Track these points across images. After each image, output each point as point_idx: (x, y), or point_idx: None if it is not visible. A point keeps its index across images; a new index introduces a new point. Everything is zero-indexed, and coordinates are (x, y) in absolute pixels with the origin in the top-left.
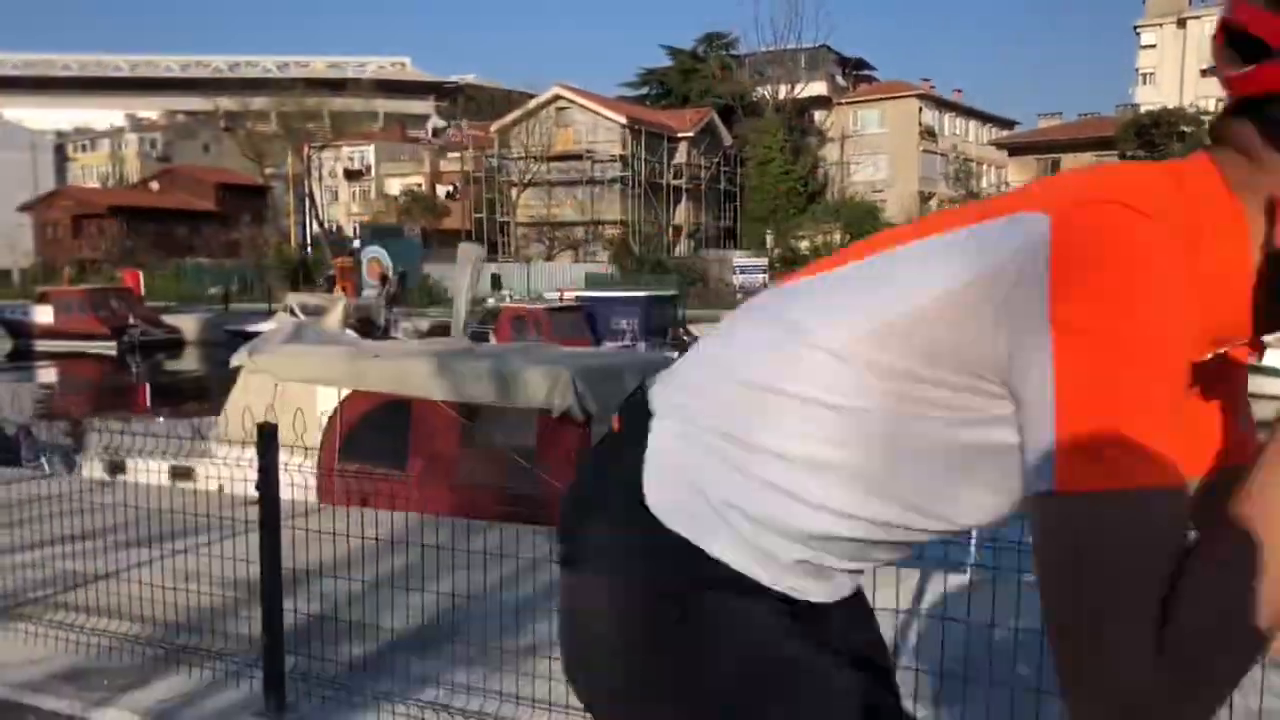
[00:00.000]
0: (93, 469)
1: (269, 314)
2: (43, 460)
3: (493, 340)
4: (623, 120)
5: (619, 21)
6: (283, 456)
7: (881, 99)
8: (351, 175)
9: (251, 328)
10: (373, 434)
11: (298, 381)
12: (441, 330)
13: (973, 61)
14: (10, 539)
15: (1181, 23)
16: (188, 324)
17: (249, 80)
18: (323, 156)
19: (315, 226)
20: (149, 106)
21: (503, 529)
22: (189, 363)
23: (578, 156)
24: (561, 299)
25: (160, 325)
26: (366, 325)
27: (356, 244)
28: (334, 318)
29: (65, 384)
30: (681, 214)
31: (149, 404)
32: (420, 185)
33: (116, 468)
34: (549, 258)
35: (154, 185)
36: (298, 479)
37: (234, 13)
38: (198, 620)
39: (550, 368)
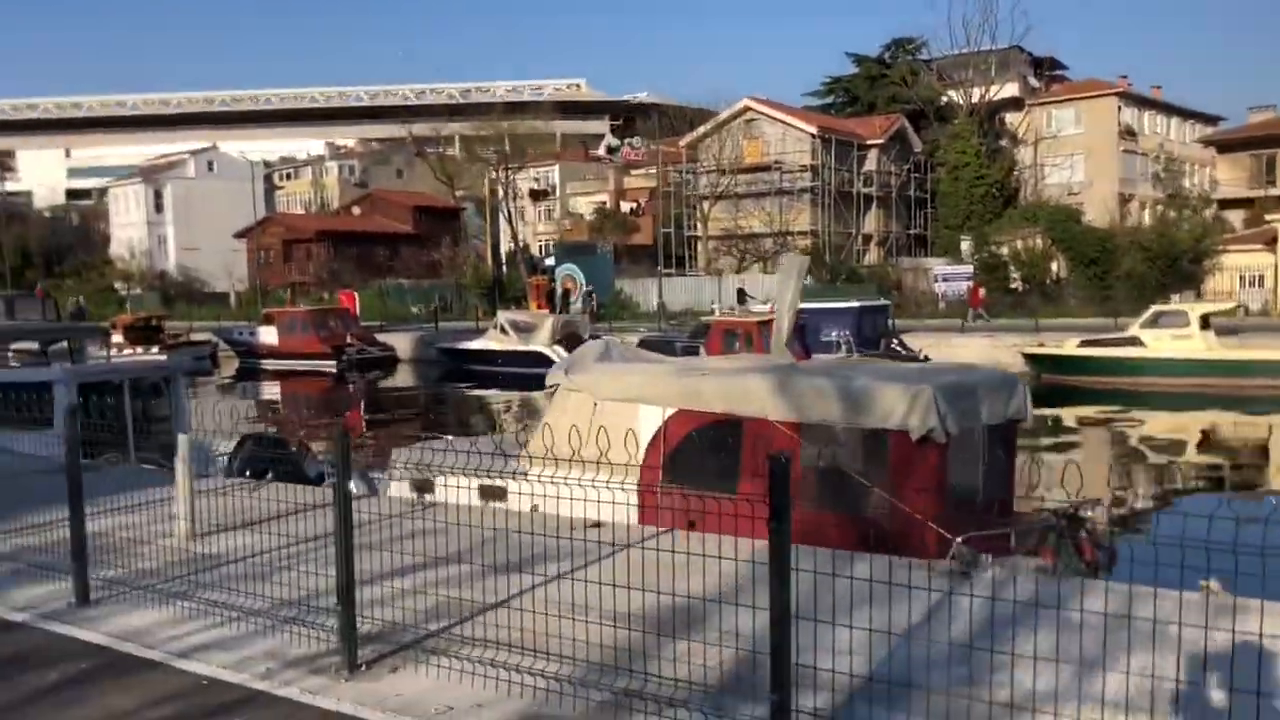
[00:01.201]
0: (399, 489)
1: (478, 332)
2: (354, 481)
3: (703, 354)
4: (813, 130)
5: (796, 33)
6: (602, 476)
7: (1077, 98)
8: (537, 195)
9: (464, 345)
10: (700, 454)
11: (619, 400)
12: (654, 345)
13: (1169, 56)
14: (372, 565)
15: None
16: (400, 342)
17: (435, 106)
18: (507, 178)
19: (508, 245)
20: (343, 135)
21: (873, 559)
22: (403, 379)
23: (766, 168)
24: (771, 312)
25: (375, 344)
26: (573, 340)
27: (550, 261)
28: (543, 333)
29: (297, 400)
30: (871, 222)
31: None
32: (605, 203)
33: (424, 487)
34: (739, 270)
35: (355, 210)
36: (620, 498)
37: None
38: (622, 658)
39: (909, 385)
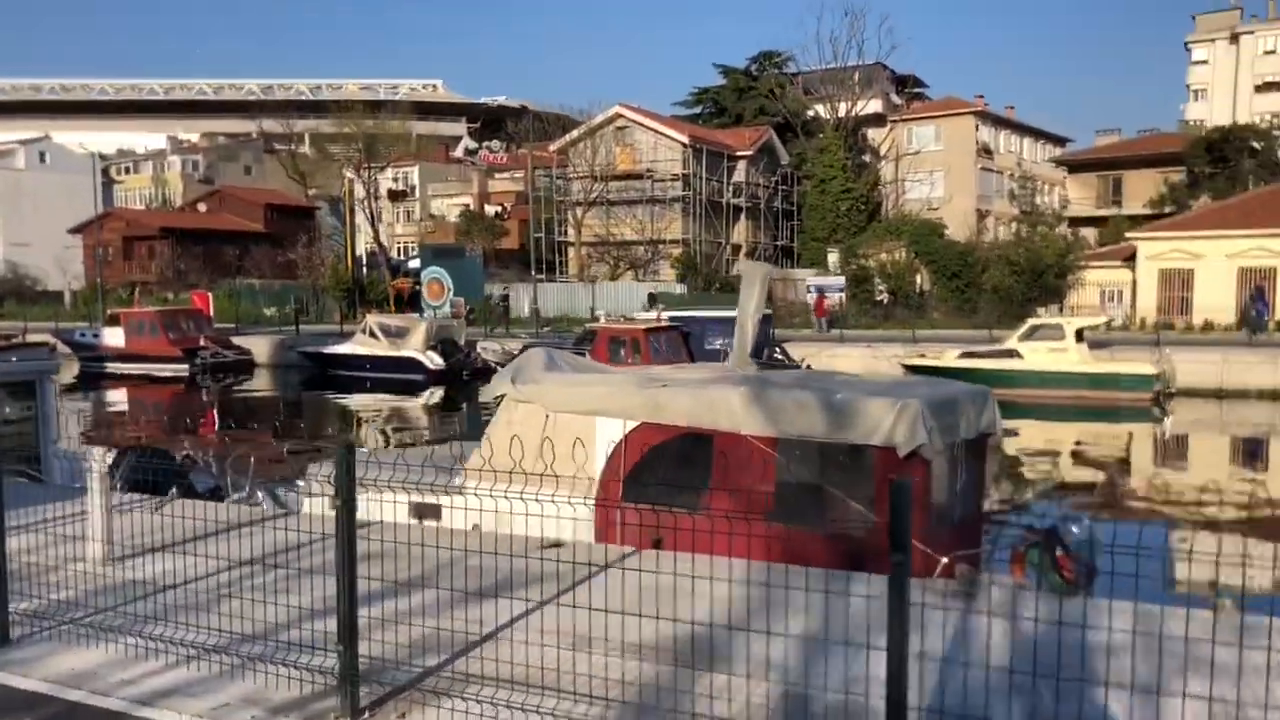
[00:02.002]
0: (316, 505)
1: (343, 335)
2: (261, 496)
3: (589, 360)
4: (684, 140)
5: (663, 43)
6: (555, 492)
7: (938, 116)
8: (395, 196)
9: (330, 350)
10: (664, 470)
11: (575, 412)
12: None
13: (1022, 78)
14: (324, 592)
15: (1234, 38)
16: (257, 346)
17: (283, 103)
18: (361, 178)
19: (362, 247)
20: (185, 129)
21: (853, 577)
22: (260, 385)
23: (639, 176)
24: (659, 319)
25: (231, 347)
26: (450, 347)
27: (415, 264)
28: (417, 338)
29: (148, 406)
30: (740, 232)
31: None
32: (469, 205)
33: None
34: (613, 277)
35: (202, 207)
36: (578, 515)
37: (264, 36)
38: (647, 694)
39: (895, 399)
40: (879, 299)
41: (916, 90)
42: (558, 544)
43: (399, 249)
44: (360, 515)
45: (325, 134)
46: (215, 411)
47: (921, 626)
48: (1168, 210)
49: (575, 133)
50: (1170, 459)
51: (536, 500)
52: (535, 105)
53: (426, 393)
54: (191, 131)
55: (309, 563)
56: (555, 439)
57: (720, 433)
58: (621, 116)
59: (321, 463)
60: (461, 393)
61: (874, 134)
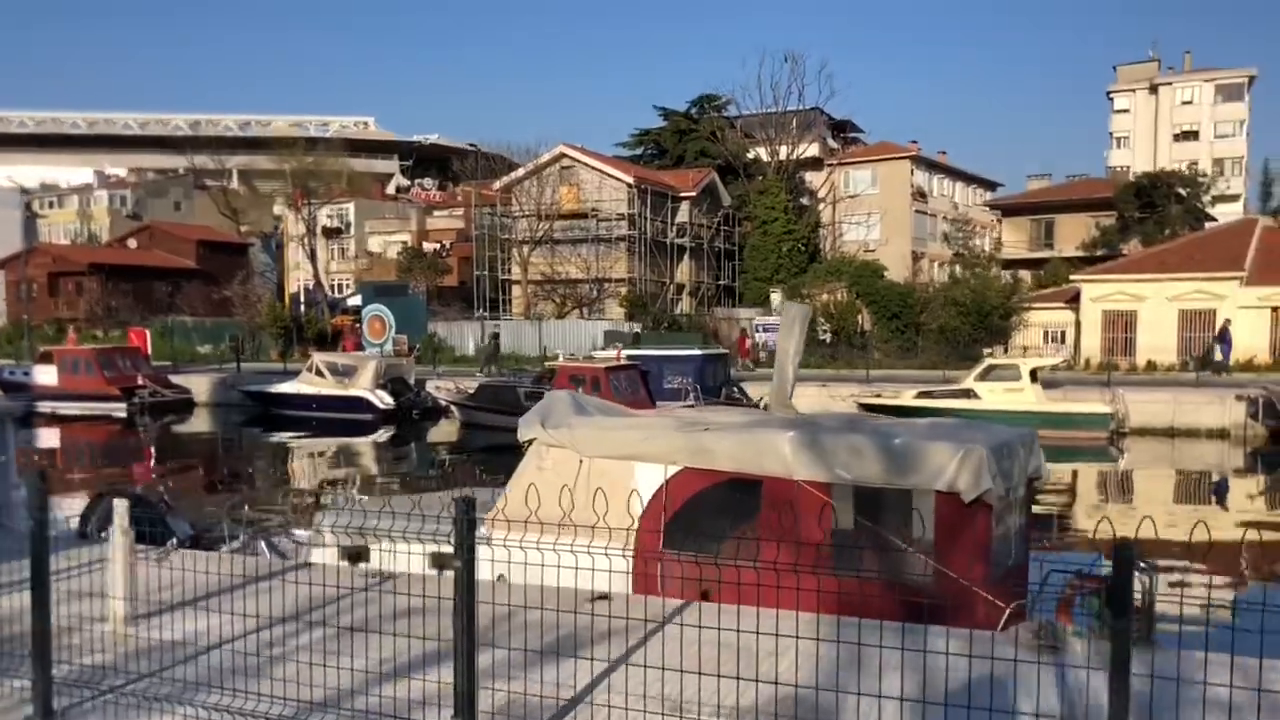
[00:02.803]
0: (322, 555)
1: (286, 374)
2: (261, 546)
3: None
4: (630, 180)
5: (604, 85)
6: (590, 541)
7: (874, 160)
8: (330, 233)
9: (275, 389)
10: (708, 517)
11: (614, 458)
12: (496, 389)
13: (952, 125)
14: (381, 653)
15: (1153, 89)
16: (196, 384)
17: (212, 139)
18: (301, 214)
19: (296, 284)
20: (110, 163)
21: (950, 633)
22: (200, 425)
23: (584, 215)
24: (619, 357)
25: (169, 386)
26: (400, 385)
27: (356, 301)
28: (366, 377)
29: (83, 448)
30: (683, 272)
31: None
32: (406, 242)
33: (359, 555)
34: (560, 315)
35: (132, 243)
36: (618, 565)
37: (191, 70)
38: None
39: (958, 444)
40: (822, 338)
41: (853, 135)
42: (604, 596)
43: (334, 286)
44: (373, 565)
45: (258, 170)
46: (153, 451)
47: (1014, 681)
48: (1099, 253)
49: (520, 171)
50: (1144, 499)
51: (571, 550)
52: (474, 145)
53: (376, 433)
54: (117, 166)
55: (349, 619)
56: (589, 485)
57: (770, 478)
58: (566, 156)
59: (326, 513)
60: (411, 432)
61: (811, 177)
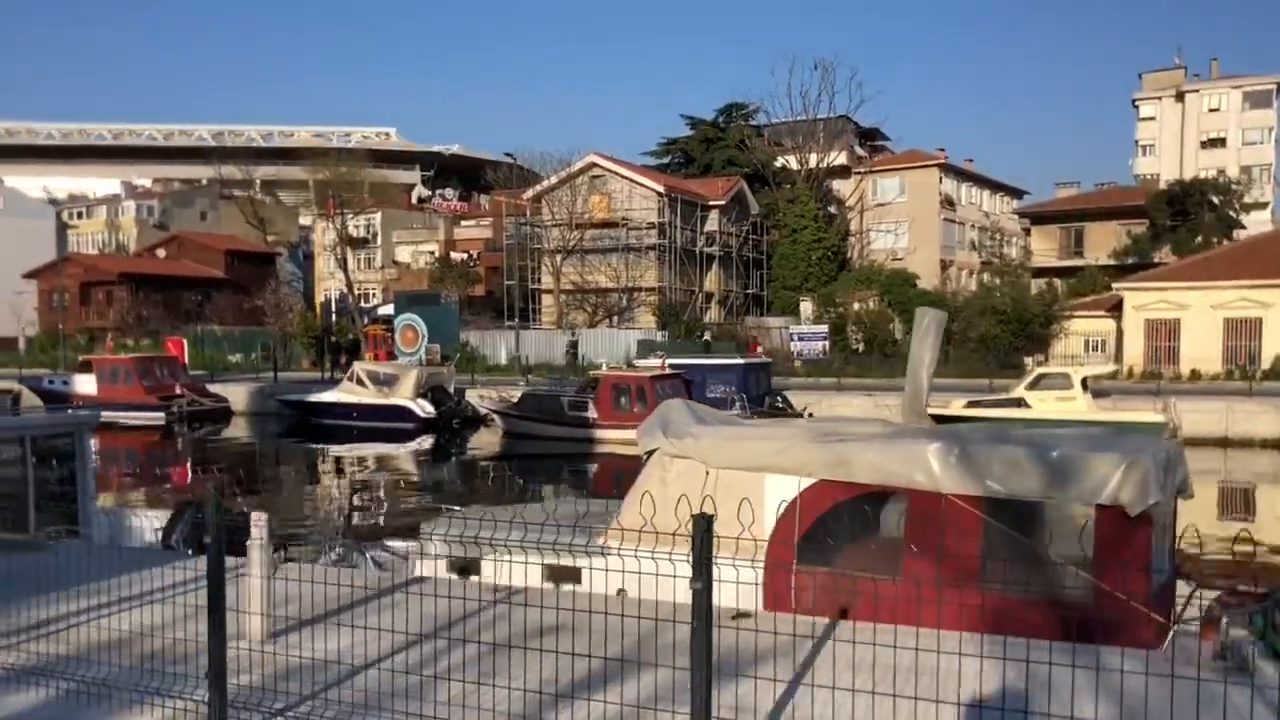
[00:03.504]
0: (428, 568)
1: (325, 382)
2: (369, 559)
3: (593, 410)
4: (660, 189)
5: (628, 95)
6: (718, 555)
7: (902, 168)
8: (356, 243)
9: (314, 398)
10: (846, 532)
11: (744, 470)
12: (540, 399)
13: (978, 133)
14: (544, 673)
15: (1180, 96)
16: (234, 393)
17: (236, 149)
18: (334, 223)
19: (321, 294)
20: (136, 174)
21: (1125, 653)
22: (239, 433)
23: (614, 224)
24: (663, 367)
25: (207, 395)
26: (440, 394)
27: (387, 310)
28: (407, 386)
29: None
30: (712, 281)
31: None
32: (434, 252)
33: (469, 568)
34: (592, 325)
35: (161, 252)
36: (745, 577)
37: (214, 81)
38: None
39: (1122, 455)
40: (855, 347)
41: (880, 143)
42: (745, 614)
43: (361, 296)
44: (486, 578)
45: (284, 180)
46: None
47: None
48: (1130, 261)
49: (551, 180)
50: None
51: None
52: (509, 155)
53: (416, 441)
54: (143, 177)
55: (491, 635)
56: (716, 497)
57: (915, 491)
58: (596, 165)
59: (435, 521)
60: (452, 441)
61: (839, 185)
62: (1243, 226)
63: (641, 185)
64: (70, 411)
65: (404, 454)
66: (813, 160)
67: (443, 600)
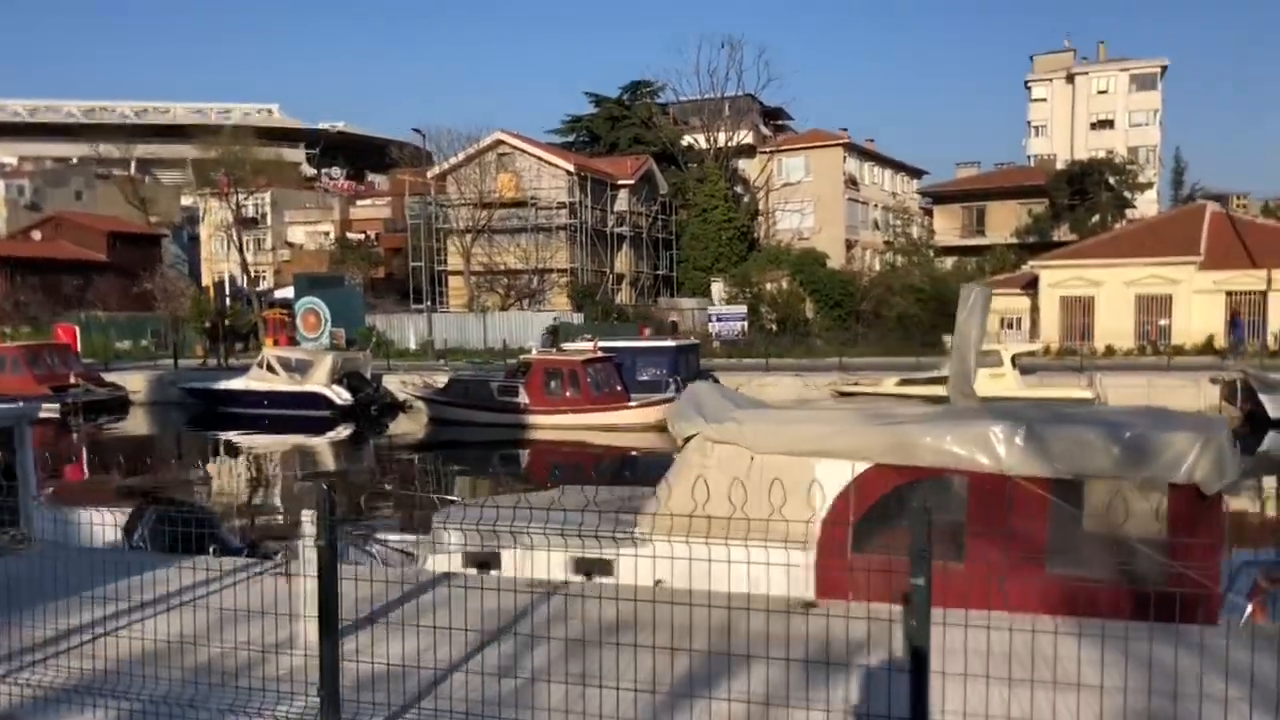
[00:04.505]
0: (441, 563)
1: (216, 369)
2: (375, 552)
3: (524, 395)
4: (570, 168)
5: (522, 70)
6: (767, 539)
7: (807, 148)
8: (245, 223)
9: (221, 386)
10: (905, 516)
11: (794, 455)
12: (468, 384)
13: (874, 112)
14: (622, 669)
15: (1070, 78)
16: (132, 382)
17: (108, 127)
18: (228, 203)
19: (208, 278)
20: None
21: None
22: (139, 424)
23: (523, 204)
24: (595, 350)
25: (103, 384)
26: (358, 381)
27: (284, 294)
28: (321, 372)
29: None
30: (623, 261)
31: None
32: (329, 233)
33: (488, 562)
34: (504, 307)
35: (36, 234)
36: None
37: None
38: None
39: (1196, 433)
40: (769, 328)
41: (784, 123)
42: (813, 604)
43: (248, 278)
44: (506, 572)
45: (165, 159)
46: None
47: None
48: (1031, 240)
49: (459, 157)
50: None
51: (745, 547)
52: (363, 132)
53: (334, 430)
54: (7, 155)
55: (564, 630)
56: (762, 483)
57: (978, 474)
58: (503, 143)
59: (448, 512)
60: (372, 429)
61: (744, 165)
62: (1133, 206)
63: (550, 164)
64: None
65: (324, 443)
66: (721, 139)
67: (487, 594)
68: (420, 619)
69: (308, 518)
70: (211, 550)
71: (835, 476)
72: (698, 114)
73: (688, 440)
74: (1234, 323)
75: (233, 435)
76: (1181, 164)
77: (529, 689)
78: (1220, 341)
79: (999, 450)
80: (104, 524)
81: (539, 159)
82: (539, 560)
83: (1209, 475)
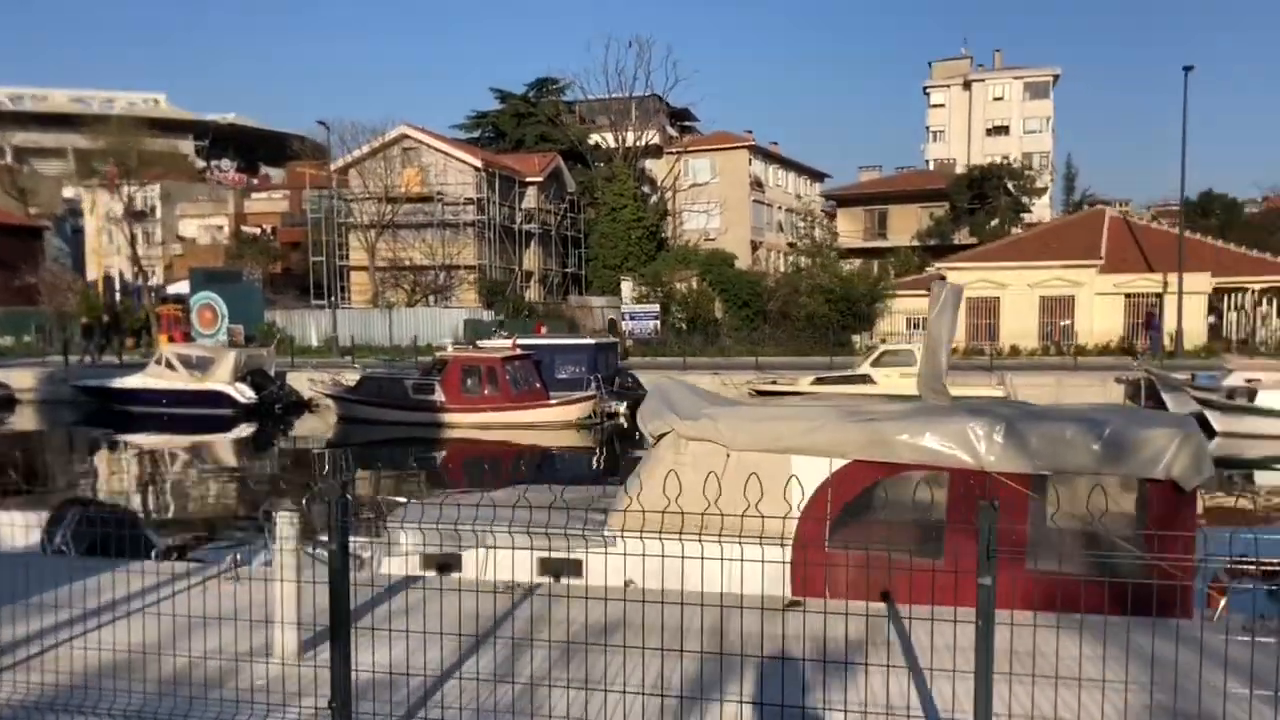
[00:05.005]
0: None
1: (121, 366)
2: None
3: (440, 393)
4: (478, 163)
5: (424, 65)
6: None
7: (713, 149)
8: (135, 216)
9: (116, 383)
10: (882, 513)
11: (771, 451)
12: (381, 381)
13: (775, 116)
14: (650, 674)
15: (967, 85)
16: (17, 379)
17: None
18: (118, 194)
19: (95, 271)
20: None
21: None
22: (26, 423)
23: (428, 199)
24: (514, 347)
25: None
26: (261, 378)
27: (176, 289)
28: (224, 369)
29: None
30: (531, 259)
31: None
32: (223, 227)
33: (448, 563)
34: (410, 303)
35: None
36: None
37: None
38: None
39: (1174, 429)
40: (679, 326)
41: (689, 124)
42: (797, 603)
43: (137, 272)
44: (467, 574)
45: (45, 148)
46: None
47: None
48: (931, 243)
49: (363, 149)
50: None
51: (718, 543)
52: (254, 124)
53: (236, 429)
54: None
55: (548, 634)
56: (738, 480)
57: (956, 470)
58: (408, 137)
59: (400, 511)
60: (275, 428)
61: (651, 165)
62: (1030, 210)
63: (457, 159)
64: None
65: (226, 442)
66: (630, 138)
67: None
68: (392, 623)
69: (285, 519)
70: (153, 554)
71: (813, 473)
72: (604, 113)
73: (660, 438)
74: (1149, 324)
75: (129, 434)
76: (1073, 170)
77: (528, 694)
78: (1118, 342)
79: (979, 446)
80: (16, 525)
81: (445, 154)
82: (503, 561)
83: (1186, 471)
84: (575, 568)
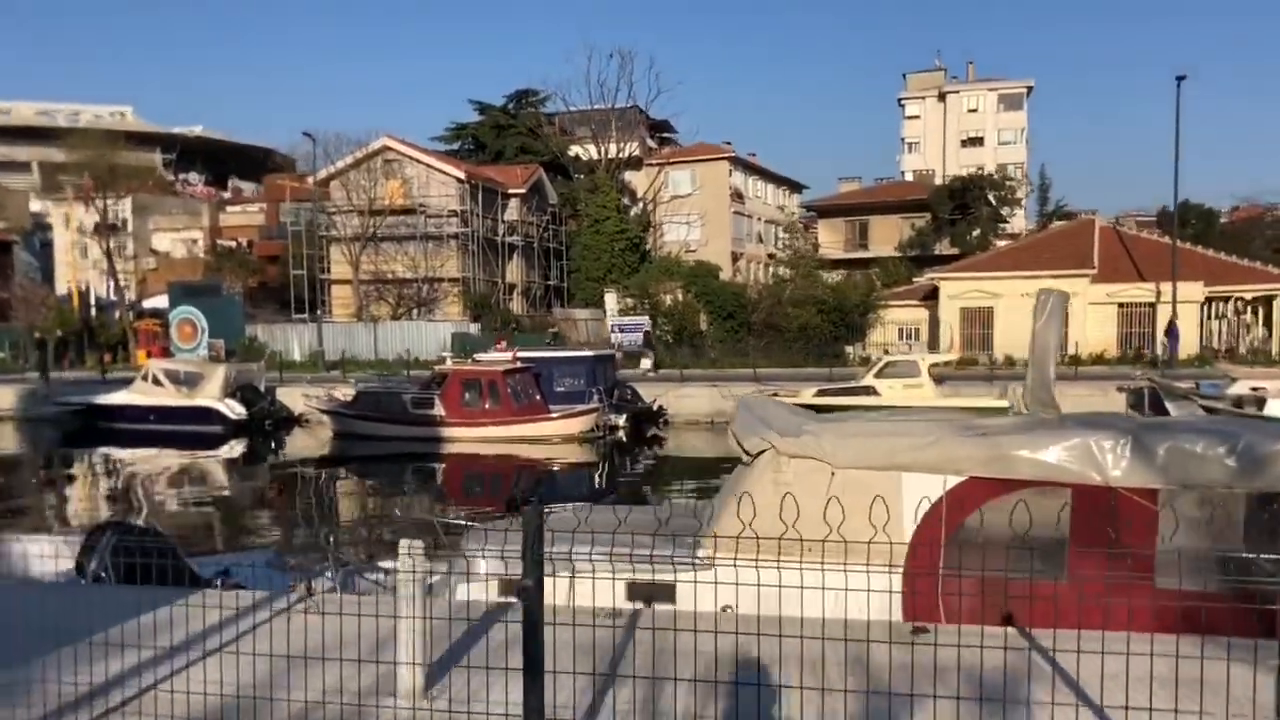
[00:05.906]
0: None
1: (104, 382)
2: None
3: (439, 407)
4: (460, 175)
5: (402, 77)
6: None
7: (694, 161)
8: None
9: (101, 400)
10: (1001, 532)
11: (881, 469)
12: (379, 395)
13: (753, 128)
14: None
15: (941, 96)
16: None
17: None
18: (94, 207)
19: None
20: None
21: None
22: (5, 442)
23: (411, 211)
24: (514, 360)
25: None
26: (252, 394)
27: (154, 303)
28: (213, 385)
29: None
30: (514, 271)
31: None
32: (198, 241)
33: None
34: (395, 316)
35: None
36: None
37: None
38: None
39: None
40: (665, 339)
41: (668, 135)
42: (924, 629)
43: (109, 286)
44: (548, 599)
45: (9, 161)
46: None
47: None
48: (913, 253)
49: (342, 163)
50: None
51: (822, 571)
52: (221, 137)
53: (226, 446)
54: None
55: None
56: (843, 500)
57: (1080, 486)
58: (390, 149)
59: (473, 534)
60: (267, 445)
61: (631, 176)
62: (1008, 221)
63: (440, 171)
64: None
65: (223, 459)
66: (612, 150)
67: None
68: (508, 659)
69: (406, 547)
70: (218, 583)
71: (924, 491)
72: (585, 124)
73: (757, 455)
74: (1170, 332)
75: (115, 451)
76: (1047, 181)
77: None
78: (1113, 351)
79: (1105, 461)
80: (45, 555)
81: (428, 166)
82: (588, 586)
83: None
84: (669, 593)
